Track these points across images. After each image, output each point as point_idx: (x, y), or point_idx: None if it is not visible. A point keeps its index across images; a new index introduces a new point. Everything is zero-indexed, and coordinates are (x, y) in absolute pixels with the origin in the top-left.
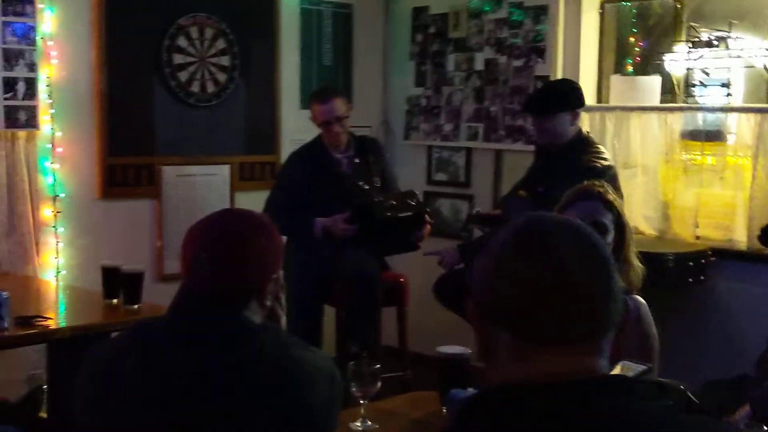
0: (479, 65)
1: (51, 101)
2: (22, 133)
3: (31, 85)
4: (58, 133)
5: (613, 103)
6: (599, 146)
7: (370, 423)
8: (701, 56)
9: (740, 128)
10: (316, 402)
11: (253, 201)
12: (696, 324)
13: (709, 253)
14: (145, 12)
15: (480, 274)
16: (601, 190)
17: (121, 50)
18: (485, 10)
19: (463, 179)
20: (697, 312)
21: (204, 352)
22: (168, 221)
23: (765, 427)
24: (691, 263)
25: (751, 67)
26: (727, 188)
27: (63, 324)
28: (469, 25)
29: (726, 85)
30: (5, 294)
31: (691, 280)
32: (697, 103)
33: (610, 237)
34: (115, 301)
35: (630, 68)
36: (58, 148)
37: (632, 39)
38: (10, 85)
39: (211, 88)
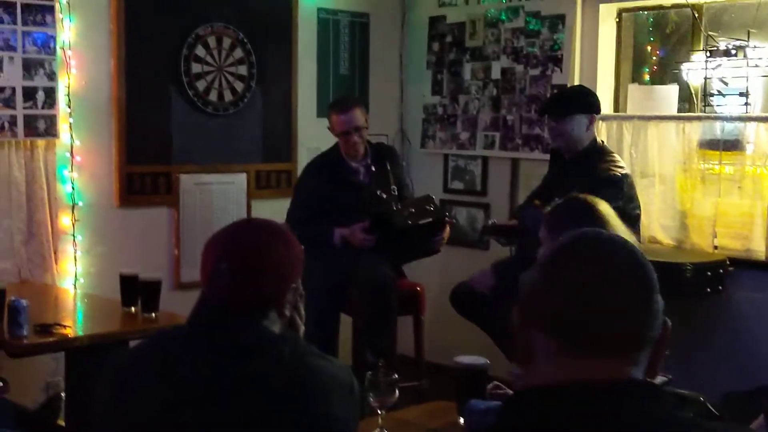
0: (496, 74)
1: (70, 110)
2: (41, 142)
3: (50, 94)
4: (77, 142)
5: (630, 112)
6: (615, 155)
7: None
8: (719, 65)
9: (758, 138)
10: (334, 412)
11: (270, 209)
12: (714, 334)
13: (728, 263)
14: (163, 22)
15: (529, 278)
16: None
17: (140, 59)
18: (502, 19)
19: (480, 188)
20: (716, 322)
21: (223, 362)
22: (185, 229)
23: None
24: (709, 273)
25: None
26: (745, 198)
27: (81, 332)
28: (485, 34)
29: (744, 94)
30: (24, 302)
31: (709, 290)
32: (715, 112)
33: None
34: (133, 309)
35: (647, 77)
36: (76, 157)
37: (649, 48)
38: (29, 94)
39: (228, 97)
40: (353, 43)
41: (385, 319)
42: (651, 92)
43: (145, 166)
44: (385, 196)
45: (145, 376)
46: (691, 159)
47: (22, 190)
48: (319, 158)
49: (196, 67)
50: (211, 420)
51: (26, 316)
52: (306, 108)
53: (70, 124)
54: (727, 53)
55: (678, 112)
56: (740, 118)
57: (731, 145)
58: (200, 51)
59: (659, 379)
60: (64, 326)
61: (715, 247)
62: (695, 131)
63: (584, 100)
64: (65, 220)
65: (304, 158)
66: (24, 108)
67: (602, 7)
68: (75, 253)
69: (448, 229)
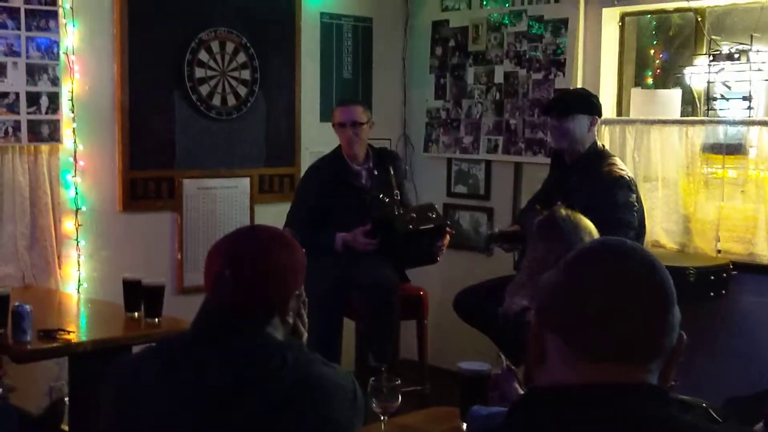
0: (499, 78)
1: (73, 115)
2: (44, 147)
3: (54, 99)
4: (81, 147)
5: (633, 116)
6: (616, 158)
7: None
8: (722, 69)
9: (761, 141)
10: (337, 418)
11: (273, 213)
12: (718, 339)
13: (731, 266)
14: (166, 27)
15: (549, 282)
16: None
17: (143, 64)
18: (505, 23)
19: (483, 192)
20: (719, 326)
21: (226, 369)
22: (188, 234)
23: None
24: (712, 277)
25: None
26: (748, 202)
27: (84, 338)
28: (488, 38)
29: (747, 98)
30: (28, 307)
31: (712, 294)
32: (717, 116)
33: None
34: (136, 314)
35: (650, 81)
36: (80, 162)
37: (652, 52)
38: (33, 99)
39: (231, 101)
40: (356, 47)
41: (388, 322)
42: (654, 96)
43: (148, 171)
44: (387, 200)
45: (149, 382)
46: (694, 163)
47: (25, 195)
48: (320, 161)
49: (199, 72)
50: (214, 426)
51: (30, 321)
52: (309, 112)
53: (74, 129)
54: (730, 57)
55: (681, 116)
56: (743, 122)
57: (734, 149)
58: (203, 56)
59: None
60: (68, 331)
61: (719, 251)
62: (698, 135)
63: (586, 101)
64: (69, 225)
65: (307, 162)
66: (27, 113)
67: (605, 11)
68: (78, 258)
69: (448, 237)
